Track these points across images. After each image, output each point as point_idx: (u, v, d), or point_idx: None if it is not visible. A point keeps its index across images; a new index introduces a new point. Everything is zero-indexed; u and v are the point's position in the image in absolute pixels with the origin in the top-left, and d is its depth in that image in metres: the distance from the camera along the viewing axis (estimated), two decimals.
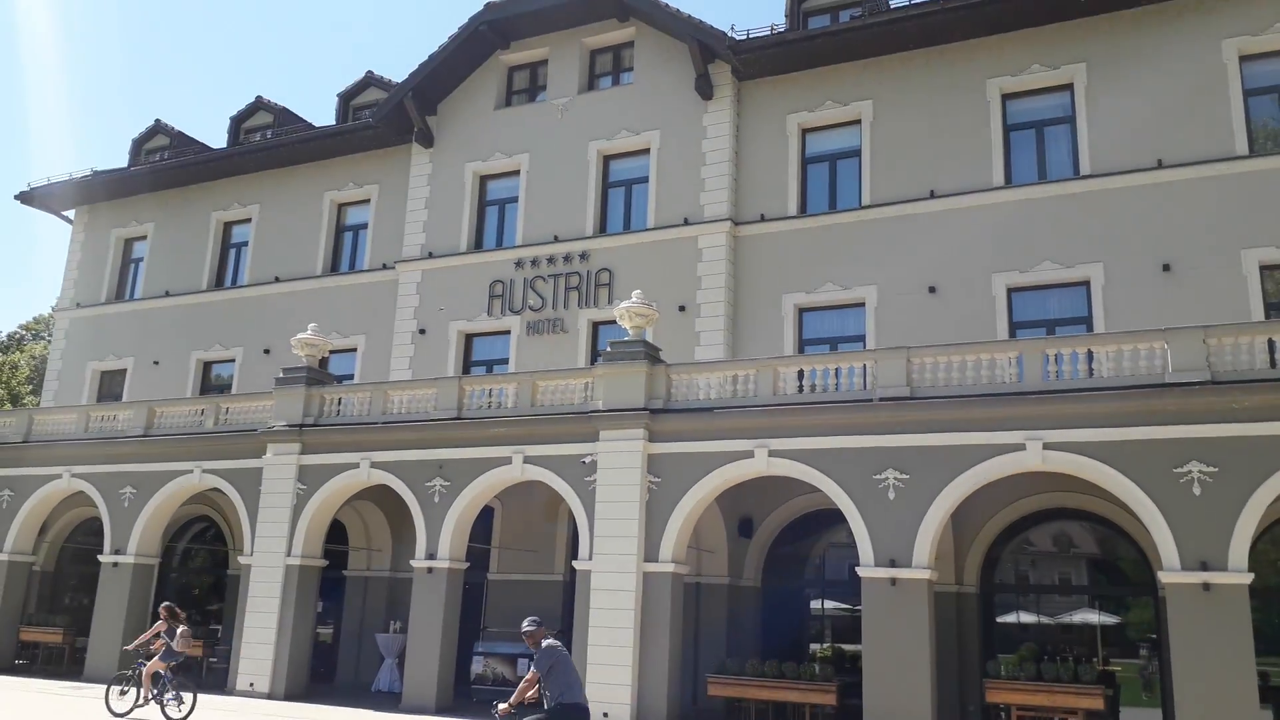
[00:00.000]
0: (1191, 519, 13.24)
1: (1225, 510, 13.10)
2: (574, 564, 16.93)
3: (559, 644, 9.22)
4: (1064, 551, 17.82)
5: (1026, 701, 13.85)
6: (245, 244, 27.78)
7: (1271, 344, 13.62)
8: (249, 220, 27.83)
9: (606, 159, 23.30)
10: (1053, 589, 17.88)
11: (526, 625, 9.41)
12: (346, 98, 28.26)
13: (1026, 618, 17.59)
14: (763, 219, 21.30)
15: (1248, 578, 12.86)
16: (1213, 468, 13.26)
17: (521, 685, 9.18)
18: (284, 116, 29.55)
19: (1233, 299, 17.13)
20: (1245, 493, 13.04)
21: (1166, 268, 17.76)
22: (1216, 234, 17.61)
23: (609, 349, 17.56)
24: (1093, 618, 17.21)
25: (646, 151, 22.73)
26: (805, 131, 21.65)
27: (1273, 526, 15.62)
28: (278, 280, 26.59)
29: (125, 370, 28.18)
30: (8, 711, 14.62)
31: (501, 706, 9.18)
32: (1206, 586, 12.97)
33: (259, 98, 29.97)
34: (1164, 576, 13.38)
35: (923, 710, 13.99)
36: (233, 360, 26.72)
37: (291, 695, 18.40)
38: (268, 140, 27.91)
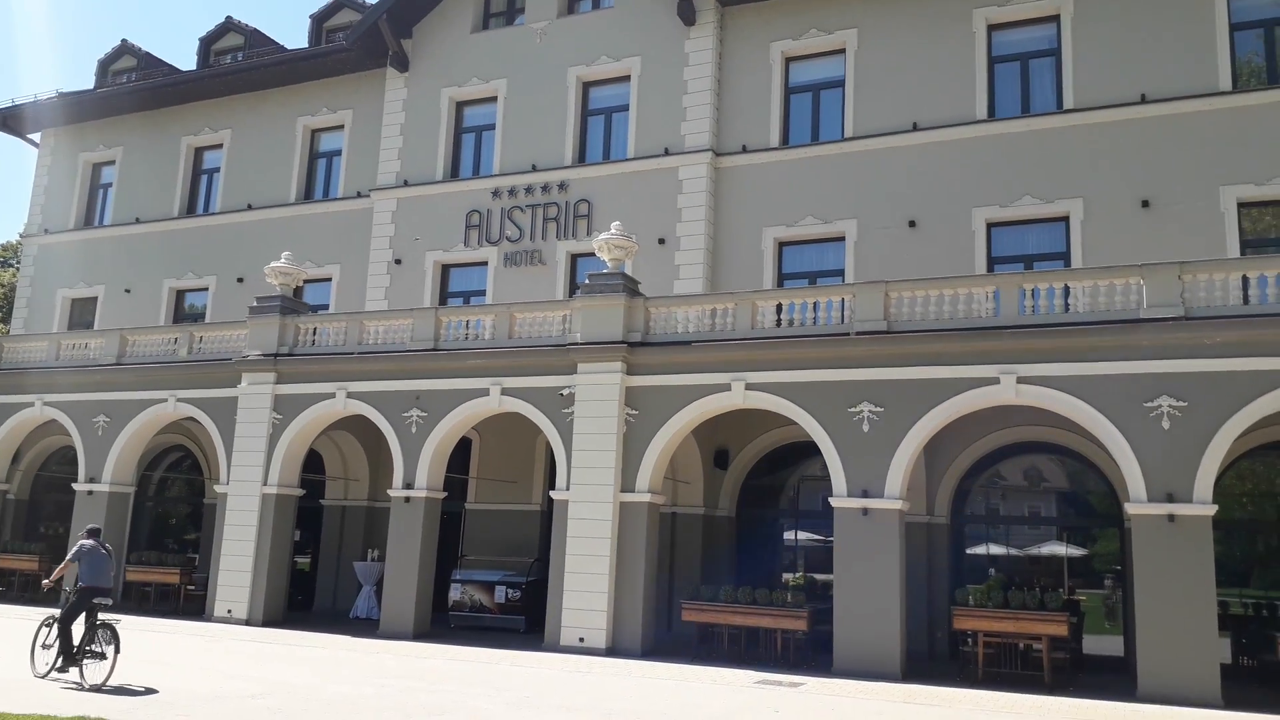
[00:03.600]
0: (1159, 452, 13.45)
1: (1192, 444, 13.31)
2: (551, 494, 17.05)
3: (92, 543, 12.23)
4: (1034, 485, 18.09)
5: (993, 628, 14.16)
6: (217, 170, 27.23)
7: (1245, 280, 13.72)
8: (220, 146, 27.23)
9: (586, 86, 22.87)
10: (1022, 521, 18.20)
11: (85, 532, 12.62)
12: (319, 20, 27.52)
13: (996, 549, 17.92)
14: (744, 150, 21.05)
15: (1211, 509, 13.13)
16: (1182, 402, 13.43)
17: (60, 567, 12.62)
18: (255, 39, 28.77)
19: (1210, 236, 17.17)
20: (1213, 427, 13.23)
21: (1145, 204, 17.75)
22: (1196, 170, 17.57)
23: (587, 281, 17.45)
24: (1060, 550, 17.57)
25: (627, 79, 22.32)
26: (789, 60, 21.30)
27: (1237, 461, 15.90)
28: (250, 208, 26.14)
29: (96, 298, 27.77)
30: None
31: (45, 582, 12.86)
32: (1171, 518, 13.24)
33: (229, 18, 29.12)
34: (1130, 508, 13.64)
35: (891, 635, 14.31)
36: (206, 289, 26.37)
37: (269, 621, 18.57)
38: (238, 63, 27.19)
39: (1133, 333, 13.81)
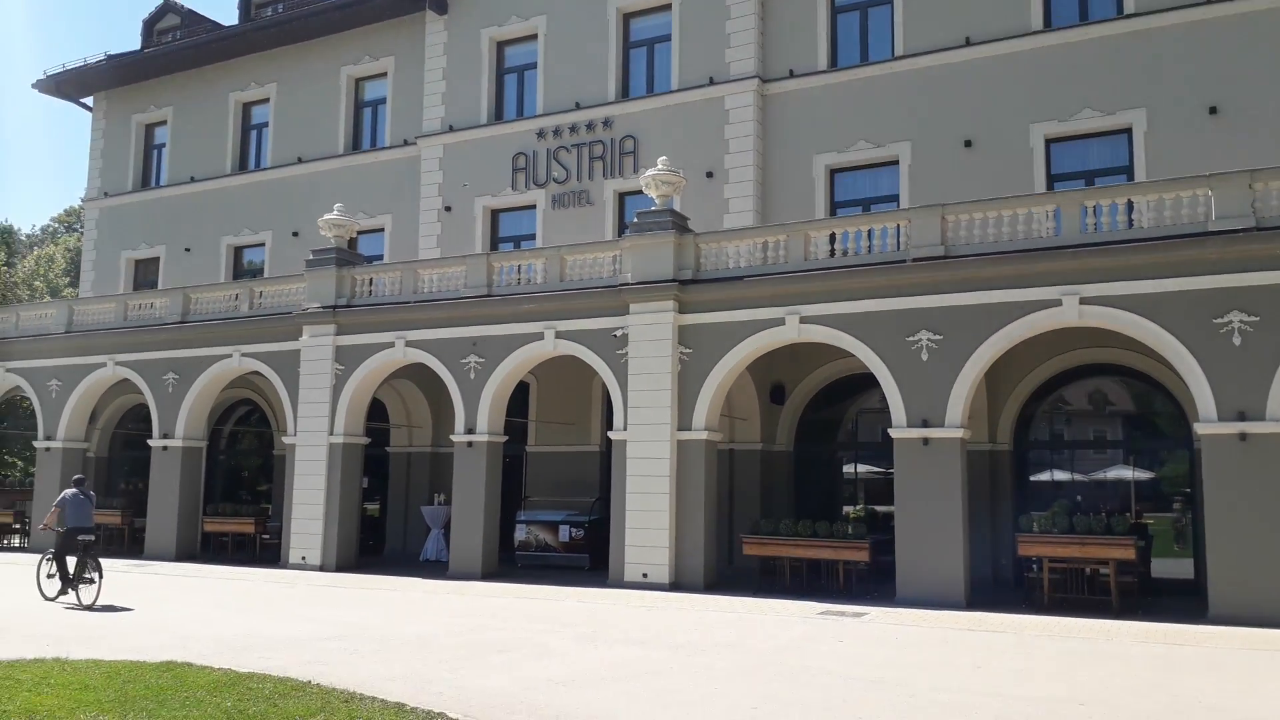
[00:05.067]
0: (1230, 369, 13.04)
1: (1265, 360, 12.87)
2: (610, 435, 17.16)
3: (74, 491, 14.32)
4: (1099, 409, 17.72)
5: (1058, 554, 14.02)
6: (265, 125, 27.44)
7: None
8: (267, 100, 27.39)
9: (626, 17, 22.42)
10: (1087, 445, 17.87)
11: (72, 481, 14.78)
12: None
13: (1060, 475, 17.65)
14: (791, 75, 20.53)
15: None
16: (1254, 317, 12.96)
17: (49, 514, 14.36)
18: None
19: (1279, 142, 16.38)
20: None
21: (1213, 110, 16.96)
22: (1268, 73, 16.70)
23: (636, 220, 17.31)
24: (1127, 474, 17.23)
25: (668, 7, 21.81)
26: None
27: None
28: (300, 161, 26.33)
29: (158, 258, 28.40)
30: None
31: (41, 526, 14.40)
32: (1243, 436, 12.88)
33: None
34: (1200, 428, 13.29)
35: (955, 564, 14.25)
36: (262, 244, 26.77)
37: (343, 567, 19.15)
38: (279, 15, 27.17)
39: (1201, 246, 13.30)
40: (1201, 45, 17.23)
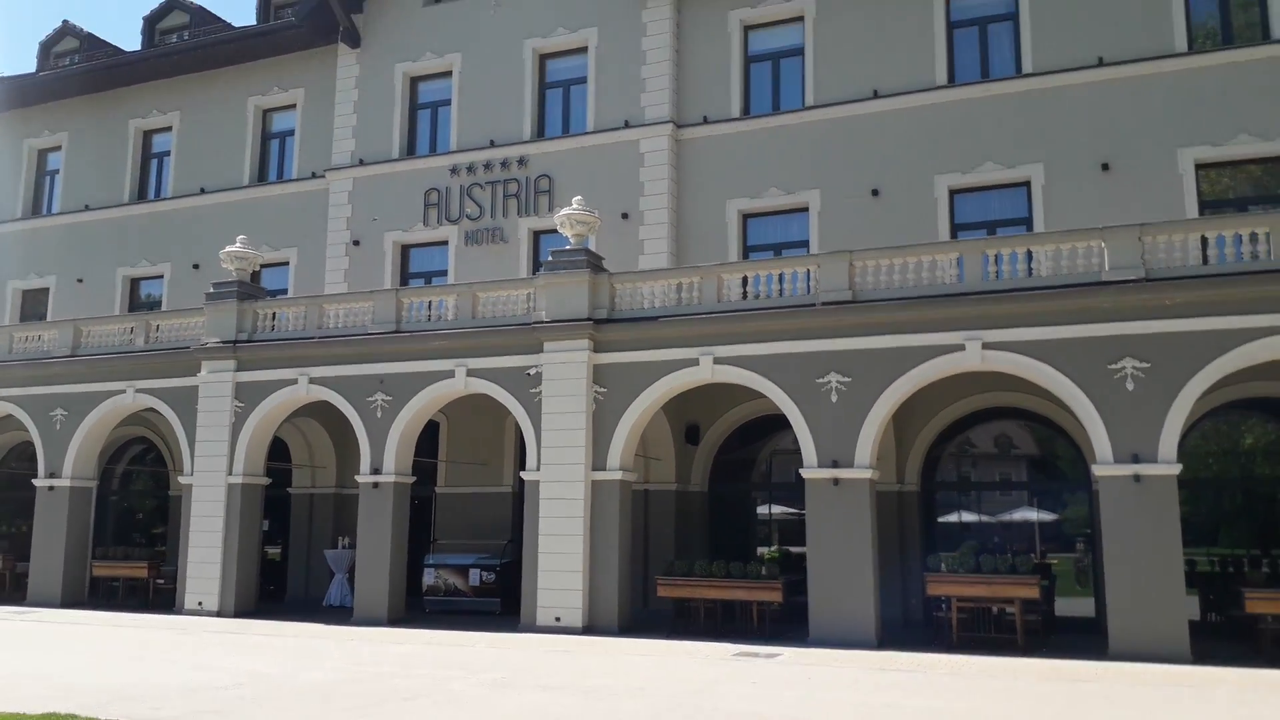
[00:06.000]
0: (1124, 413, 13.58)
1: (1156, 404, 13.45)
2: (522, 475, 16.93)
3: None
4: (1003, 451, 18.25)
5: (966, 593, 14.30)
6: (167, 154, 26.61)
7: (1204, 241, 13.81)
8: (170, 129, 26.59)
9: (543, 58, 22.54)
10: (993, 487, 18.37)
11: None
12: None
13: (968, 516, 18.08)
14: (705, 121, 20.88)
15: (1176, 469, 13.29)
16: (1145, 363, 13.55)
17: None
18: (201, 16, 28.05)
19: (1169, 197, 17.30)
20: (1176, 387, 13.37)
21: (1106, 167, 17.85)
22: (1154, 133, 17.68)
23: (551, 258, 17.26)
24: (1031, 515, 17.75)
25: (584, 50, 22.01)
26: (747, 29, 21.11)
27: (1200, 420, 16.12)
28: (203, 191, 25.59)
29: (48, 289, 27.12)
30: None
31: None
32: (1137, 478, 13.39)
33: None
34: (1097, 470, 13.78)
35: (865, 603, 14.41)
36: (161, 276, 25.83)
37: (241, 612, 18.35)
38: (185, 42, 26.51)
39: (1095, 295, 13.89)
40: (1095, 105, 18.15)
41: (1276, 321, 13.06)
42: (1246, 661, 12.69)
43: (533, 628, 15.96)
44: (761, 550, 18.96)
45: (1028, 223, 18.25)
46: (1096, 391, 13.74)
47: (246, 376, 18.97)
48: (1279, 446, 16.87)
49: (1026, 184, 18.45)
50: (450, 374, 17.38)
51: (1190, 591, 13.99)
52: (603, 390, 16.41)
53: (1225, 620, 15.20)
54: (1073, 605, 16.64)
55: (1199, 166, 17.48)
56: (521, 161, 21.94)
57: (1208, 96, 17.45)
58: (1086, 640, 14.53)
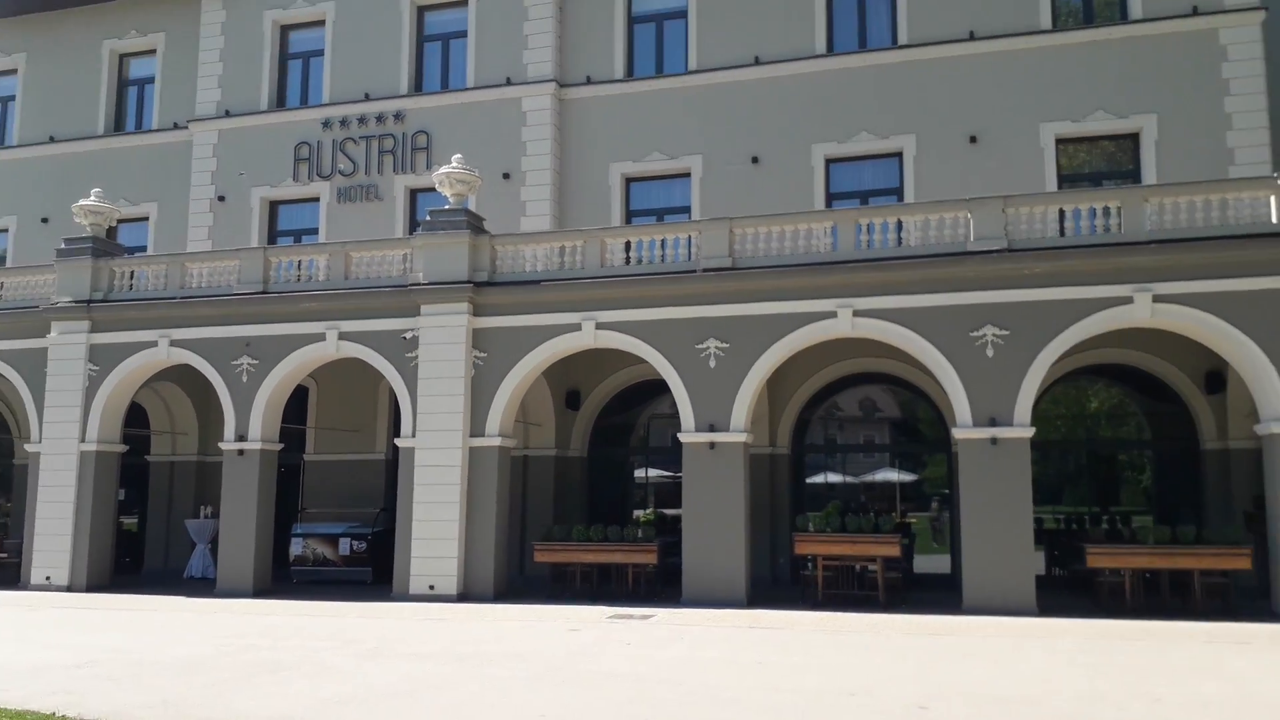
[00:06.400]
0: (984, 379, 14.18)
1: (1013, 370, 14.08)
2: (397, 442, 16.57)
3: None
4: (868, 415, 18.85)
5: (831, 551, 14.77)
6: (12, 98, 24.79)
7: (1062, 213, 14.49)
8: (14, 71, 24.78)
9: (421, 10, 21.83)
10: (858, 449, 18.97)
11: None
12: None
13: (834, 477, 18.65)
14: (589, 81, 20.64)
15: (1030, 432, 13.99)
16: (1005, 330, 14.15)
17: None
18: None
19: (1031, 170, 18.03)
20: (1032, 354, 14.03)
21: (973, 139, 18.45)
22: (1020, 107, 18.35)
23: (429, 218, 16.82)
24: (893, 476, 18.43)
25: (464, 3, 21.40)
26: None
27: (1052, 386, 16.96)
28: (53, 140, 23.96)
29: None
30: None
31: None
32: (994, 441, 14.02)
33: None
34: (957, 433, 14.37)
35: (737, 564, 14.72)
36: (5, 230, 24.14)
37: (95, 587, 17.47)
38: None
39: (960, 265, 14.40)
40: (963, 78, 18.71)
41: (1124, 291, 13.81)
42: (1088, 613, 13.54)
43: (406, 596, 15.72)
44: (638, 514, 19.14)
45: (899, 193, 18.75)
46: (959, 358, 14.29)
47: (102, 338, 17.94)
48: (1121, 410, 17.96)
49: (899, 155, 18.93)
50: (321, 337, 16.82)
51: (1037, 548, 14.77)
52: (482, 355, 16.17)
53: (1068, 574, 16.14)
54: (930, 562, 17.40)
55: (1059, 141, 18.25)
56: (398, 116, 21.27)
57: (1069, 73, 18.19)
58: (943, 596, 15.22)
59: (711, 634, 12.14)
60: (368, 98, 21.49)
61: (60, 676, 9.55)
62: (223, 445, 17.22)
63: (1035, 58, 18.43)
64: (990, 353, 14.18)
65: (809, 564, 15.12)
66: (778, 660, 10.41)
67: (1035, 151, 18.18)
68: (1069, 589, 15.68)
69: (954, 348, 14.32)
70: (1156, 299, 13.71)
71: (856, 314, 14.68)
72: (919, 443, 18.58)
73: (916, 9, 19.11)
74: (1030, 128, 18.24)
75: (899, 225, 15.01)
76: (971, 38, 18.73)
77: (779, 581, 17.20)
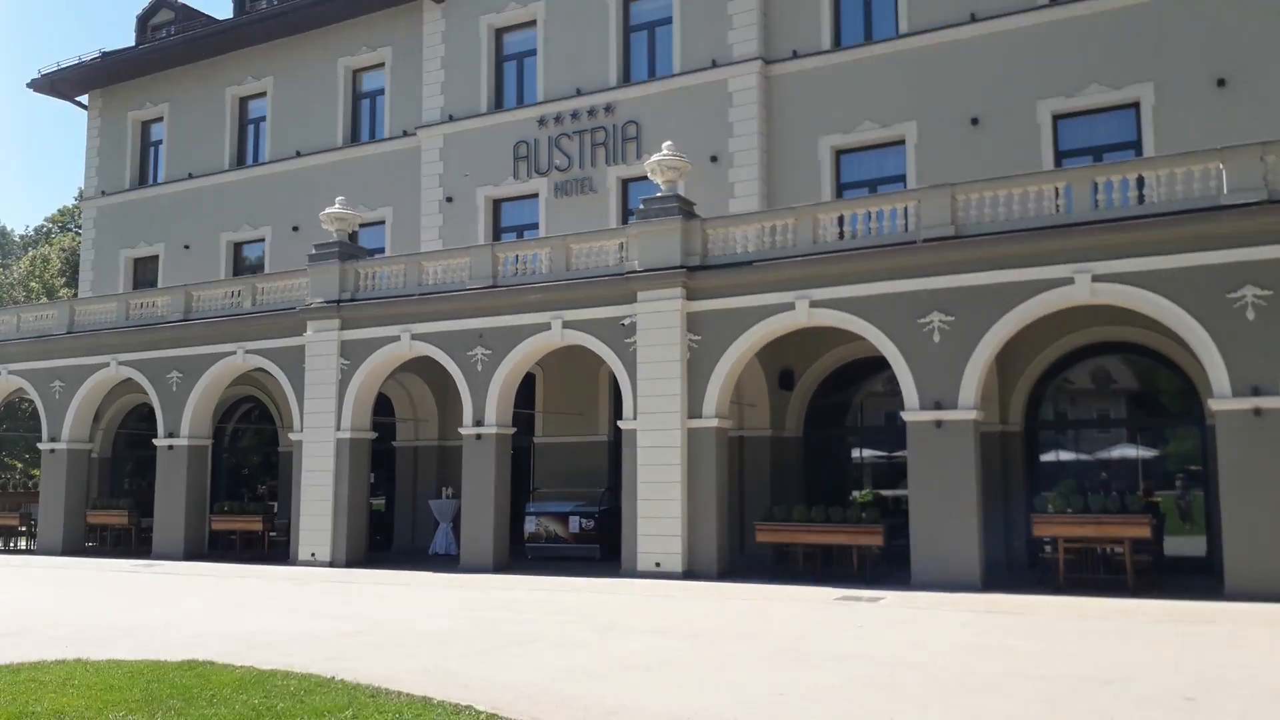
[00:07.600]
0: (1244, 344, 12.94)
1: (1279, 334, 12.77)
2: (619, 424, 17.07)
3: None
4: (1103, 388, 17.61)
5: (1073, 534, 13.97)
6: (263, 119, 27.27)
7: None
8: (264, 94, 27.22)
9: (626, 0, 22.22)
10: (1093, 424, 17.77)
11: None
12: None
13: (1065, 455, 17.55)
14: (795, 55, 20.37)
15: None
16: (1268, 291, 12.86)
17: None
18: None
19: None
20: None
21: (1221, 83, 16.83)
22: (1275, 44, 16.54)
23: (641, 206, 17.18)
24: (1132, 452, 17.14)
25: None
26: None
27: None
28: (299, 155, 26.19)
29: (158, 256, 28.28)
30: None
31: None
32: (1258, 412, 12.79)
33: None
34: (1214, 404, 13.20)
35: (970, 546, 14.19)
36: (262, 240, 26.65)
37: (353, 562, 19.07)
38: (275, 7, 26.97)
39: (1213, 220, 13.19)
40: (1208, 17, 17.08)
41: None
42: None
43: (634, 573, 16.19)
44: (854, 494, 18.82)
45: (1137, 147, 17.38)
46: (1214, 322, 13.12)
47: (350, 335, 19.50)
48: None
49: (1135, 105, 17.54)
50: (546, 326, 17.55)
51: None
52: (697, 338, 16.37)
53: None
54: (1180, 544, 16.09)
55: None
56: (608, 109, 21.80)
57: None
58: (1199, 581, 14.07)
59: (947, 617, 11.79)
60: (579, 93, 22.15)
61: (333, 644, 10.48)
62: (461, 430, 18.32)
63: None
64: (1251, 315, 12.93)
65: (1047, 546, 14.38)
66: (1022, 646, 9.98)
67: None
68: None
69: (1208, 312, 13.15)
70: None
71: (1095, 279, 13.75)
72: (1163, 416, 17.21)
73: None
74: None
75: (1140, 182, 13.92)
76: None
77: (1014, 565, 16.44)
